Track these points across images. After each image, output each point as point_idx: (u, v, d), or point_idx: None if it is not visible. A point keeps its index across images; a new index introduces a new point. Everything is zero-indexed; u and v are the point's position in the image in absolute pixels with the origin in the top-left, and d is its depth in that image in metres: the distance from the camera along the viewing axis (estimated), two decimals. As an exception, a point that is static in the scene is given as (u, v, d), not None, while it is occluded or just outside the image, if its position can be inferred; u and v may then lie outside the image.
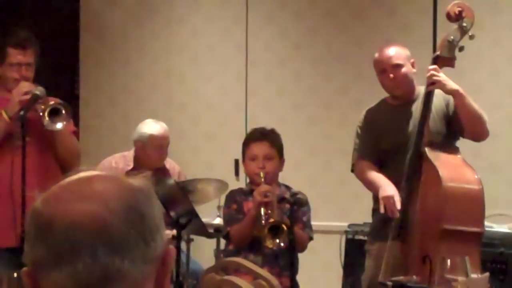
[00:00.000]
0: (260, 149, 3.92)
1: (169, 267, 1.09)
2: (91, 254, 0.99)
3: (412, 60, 3.83)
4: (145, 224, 1.04)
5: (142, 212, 1.04)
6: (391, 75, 3.77)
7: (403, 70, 3.79)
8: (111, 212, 1.01)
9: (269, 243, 3.60)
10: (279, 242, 3.59)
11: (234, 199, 3.99)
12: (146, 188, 1.08)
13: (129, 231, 1.01)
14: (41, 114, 3.74)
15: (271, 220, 3.62)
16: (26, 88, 3.77)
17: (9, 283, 2.50)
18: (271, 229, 3.61)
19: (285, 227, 3.56)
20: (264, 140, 3.94)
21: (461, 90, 3.62)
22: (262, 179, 3.82)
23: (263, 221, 3.67)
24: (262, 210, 3.72)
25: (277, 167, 3.94)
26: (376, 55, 3.87)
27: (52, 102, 3.76)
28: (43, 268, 1.01)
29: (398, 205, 3.56)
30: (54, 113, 3.75)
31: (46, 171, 3.83)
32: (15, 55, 3.87)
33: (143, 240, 1.03)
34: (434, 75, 3.58)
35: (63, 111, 3.75)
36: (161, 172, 4.80)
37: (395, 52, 3.81)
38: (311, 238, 3.93)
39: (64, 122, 3.76)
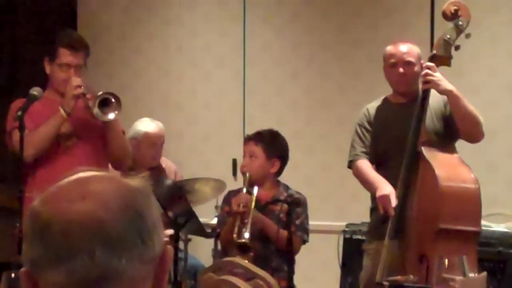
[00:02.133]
0: (245, 148, 3.97)
1: (166, 267, 1.09)
2: (89, 253, 0.99)
3: (422, 61, 3.81)
4: (143, 224, 1.04)
5: (140, 212, 1.04)
6: (401, 70, 3.76)
7: (415, 69, 3.78)
8: (109, 211, 1.01)
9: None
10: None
11: (228, 200, 4.02)
12: (144, 188, 1.08)
13: (127, 231, 1.01)
14: (91, 107, 3.68)
15: (241, 240, 3.67)
16: (77, 82, 3.72)
17: (7, 283, 2.49)
18: (240, 246, 3.64)
19: (251, 248, 3.62)
20: (250, 140, 3.99)
21: (455, 91, 3.58)
22: (247, 179, 3.87)
23: (235, 235, 3.71)
24: (238, 220, 3.76)
25: (261, 167, 3.93)
26: (389, 48, 3.83)
27: (100, 93, 3.69)
28: (41, 267, 1.01)
29: (393, 202, 3.55)
30: (104, 104, 3.70)
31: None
32: (66, 56, 3.83)
33: (141, 240, 1.03)
34: (428, 74, 3.57)
35: (113, 100, 3.70)
36: (157, 171, 4.79)
37: (409, 49, 3.80)
38: (304, 241, 3.93)
39: (116, 112, 3.70)
